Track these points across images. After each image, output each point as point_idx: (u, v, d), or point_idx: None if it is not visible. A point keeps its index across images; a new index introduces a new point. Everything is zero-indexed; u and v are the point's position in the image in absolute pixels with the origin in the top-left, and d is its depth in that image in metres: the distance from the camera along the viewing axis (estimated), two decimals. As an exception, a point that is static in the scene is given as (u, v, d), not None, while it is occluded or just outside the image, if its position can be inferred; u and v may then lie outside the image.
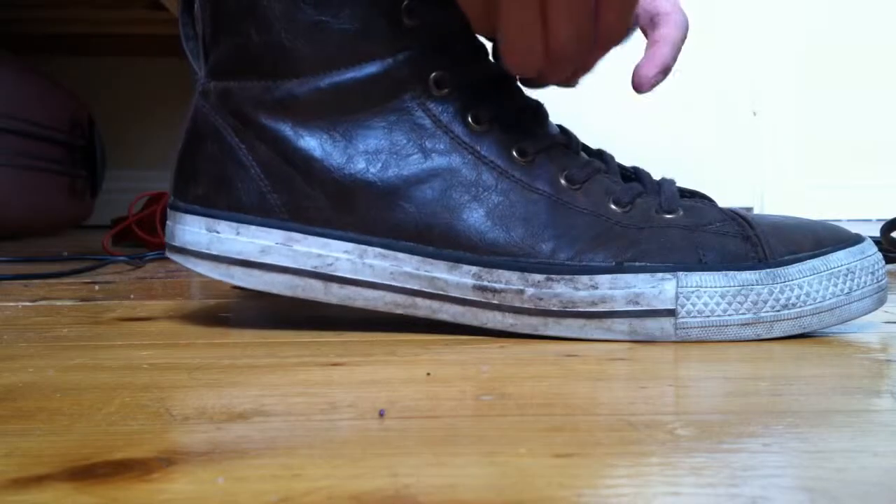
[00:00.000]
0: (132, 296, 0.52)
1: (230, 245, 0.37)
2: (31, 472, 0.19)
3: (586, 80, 0.38)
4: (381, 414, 0.24)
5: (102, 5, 1.44)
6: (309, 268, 0.36)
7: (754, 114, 1.76)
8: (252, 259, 0.37)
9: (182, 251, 0.38)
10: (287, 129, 0.36)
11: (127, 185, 1.71)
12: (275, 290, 0.37)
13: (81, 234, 1.40)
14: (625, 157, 0.43)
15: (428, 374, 0.29)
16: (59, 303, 0.49)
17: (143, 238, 0.90)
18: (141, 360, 0.32)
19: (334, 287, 0.37)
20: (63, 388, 0.27)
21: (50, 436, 0.22)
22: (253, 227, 0.37)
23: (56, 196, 1.34)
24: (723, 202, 0.39)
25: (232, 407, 0.25)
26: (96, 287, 0.57)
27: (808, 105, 1.76)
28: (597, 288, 0.35)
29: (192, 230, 0.38)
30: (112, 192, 1.65)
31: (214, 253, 0.37)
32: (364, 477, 0.19)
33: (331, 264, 0.36)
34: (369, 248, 0.36)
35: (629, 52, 0.41)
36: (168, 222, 0.40)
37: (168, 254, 0.39)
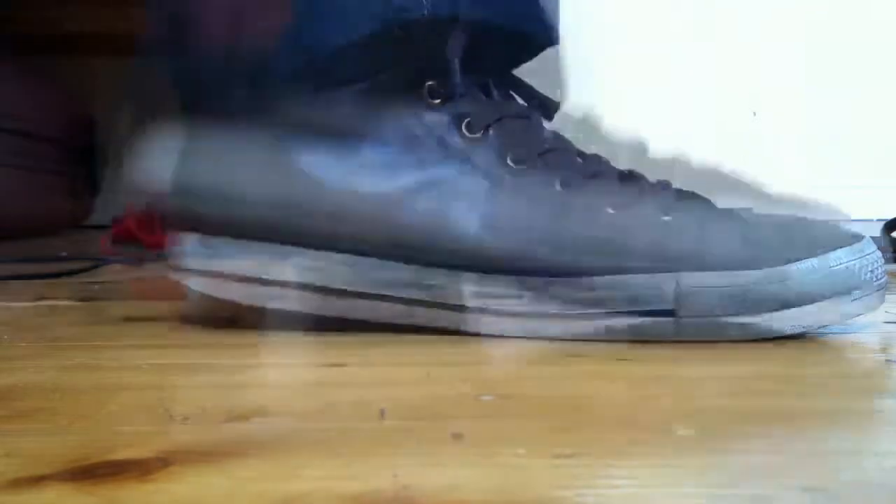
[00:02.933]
0: (132, 296, 0.52)
1: (228, 262, 0.37)
2: (31, 472, 0.19)
3: (585, 80, 0.38)
4: (382, 414, 0.24)
5: (102, 5, 1.44)
6: (307, 281, 0.36)
7: (754, 114, 1.76)
8: (251, 275, 0.37)
9: (181, 270, 0.38)
10: (282, 145, 0.36)
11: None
12: (274, 305, 0.37)
13: (81, 234, 1.40)
14: (623, 157, 0.43)
15: (428, 374, 0.29)
16: (59, 303, 0.49)
17: (143, 238, 0.90)
18: (141, 360, 0.32)
19: (333, 300, 0.37)
20: (63, 388, 0.27)
21: (50, 436, 0.22)
22: (251, 244, 0.37)
23: (56, 196, 1.34)
24: (723, 202, 0.39)
25: (232, 407, 0.25)
26: (96, 287, 0.57)
27: (808, 105, 1.76)
28: (595, 289, 0.35)
29: (190, 249, 0.38)
30: (112, 192, 1.65)
31: (213, 270, 0.37)
32: (364, 477, 0.19)
33: (329, 277, 0.36)
34: (367, 260, 0.36)
35: (629, 54, 0.41)
36: (166, 242, 0.40)
37: (168, 274, 0.39)
